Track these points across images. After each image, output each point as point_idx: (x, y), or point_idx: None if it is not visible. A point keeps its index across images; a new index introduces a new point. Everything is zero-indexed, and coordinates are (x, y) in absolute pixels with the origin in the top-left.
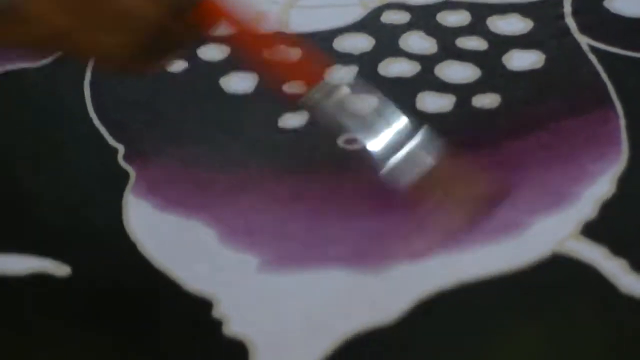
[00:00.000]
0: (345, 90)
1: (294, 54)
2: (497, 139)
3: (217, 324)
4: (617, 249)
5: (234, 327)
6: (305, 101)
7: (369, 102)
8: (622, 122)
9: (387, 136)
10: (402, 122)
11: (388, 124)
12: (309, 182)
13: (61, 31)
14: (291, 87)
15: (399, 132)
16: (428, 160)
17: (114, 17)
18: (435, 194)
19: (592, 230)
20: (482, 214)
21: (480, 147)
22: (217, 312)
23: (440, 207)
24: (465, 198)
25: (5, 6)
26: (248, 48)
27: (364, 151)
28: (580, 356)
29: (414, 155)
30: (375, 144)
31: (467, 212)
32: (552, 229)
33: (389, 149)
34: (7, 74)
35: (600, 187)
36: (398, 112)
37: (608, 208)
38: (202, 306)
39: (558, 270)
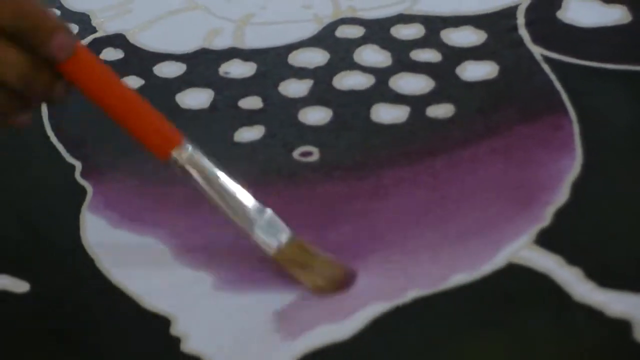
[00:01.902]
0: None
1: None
2: (451, 147)
3: (176, 341)
4: (572, 257)
5: (192, 344)
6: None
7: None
8: (576, 128)
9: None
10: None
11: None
12: (265, 194)
13: None
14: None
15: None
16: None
17: None
18: (294, 266)
19: (546, 239)
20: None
21: (434, 155)
22: (175, 329)
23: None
24: (320, 273)
25: None
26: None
27: (318, 163)
28: None
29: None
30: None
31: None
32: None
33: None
34: None
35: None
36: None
37: (562, 215)
38: (160, 323)
39: (513, 280)
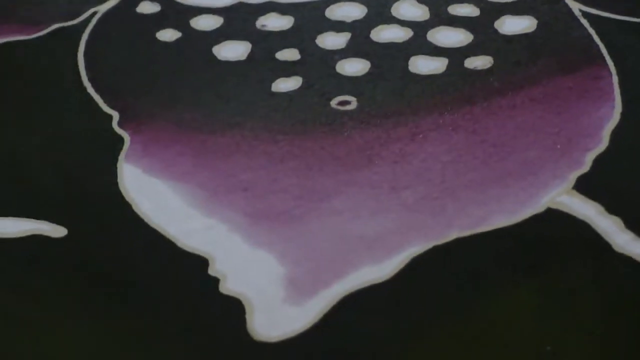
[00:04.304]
0: None
1: None
2: (489, 96)
3: (214, 282)
4: (611, 205)
5: (230, 285)
6: None
7: None
8: (615, 78)
9: None
10: None
11: None
12: (303, 141)
13: None
14: None
15: None
16: None
17: None
18: None
19: (586, 186)
20: None
21: (473, 103)
22: (212, 270)
23: None
24: None
25: None
26: None
27: (356, 111)
28: (574, 312)
29: None
30: None
31: None
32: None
33: None
34: (3, 45)
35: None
36: None
37: (602, 162)
38: (198, 263)
39: (552, 226)
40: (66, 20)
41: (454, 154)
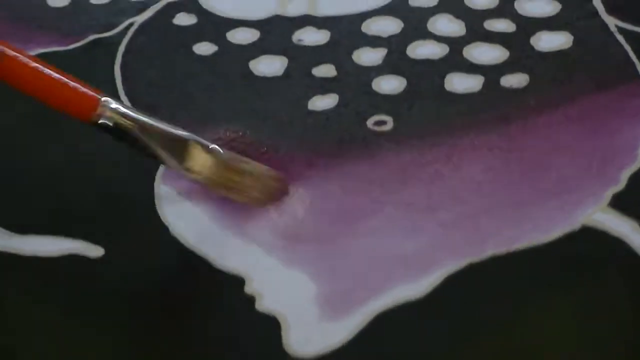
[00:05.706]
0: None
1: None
2: (526, 115)
3: (250, 300)
4: None
5: (266, 303)
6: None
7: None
8: None
9: None
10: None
11: None
12: (339, 163)
13: None
14: None
15: None
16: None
17: None
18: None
19: (621, 203)
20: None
21: (509, 122)
22: (249, 289)
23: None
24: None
25: None
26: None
27: (392, 132)
28: (610, 329)
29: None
30: None
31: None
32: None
33: None
34: (39, 56)
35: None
36: None
37: (637, 180)
38: (234, 283)
39: (587, 243)
40: (103, 32)
41: (490, 174)
